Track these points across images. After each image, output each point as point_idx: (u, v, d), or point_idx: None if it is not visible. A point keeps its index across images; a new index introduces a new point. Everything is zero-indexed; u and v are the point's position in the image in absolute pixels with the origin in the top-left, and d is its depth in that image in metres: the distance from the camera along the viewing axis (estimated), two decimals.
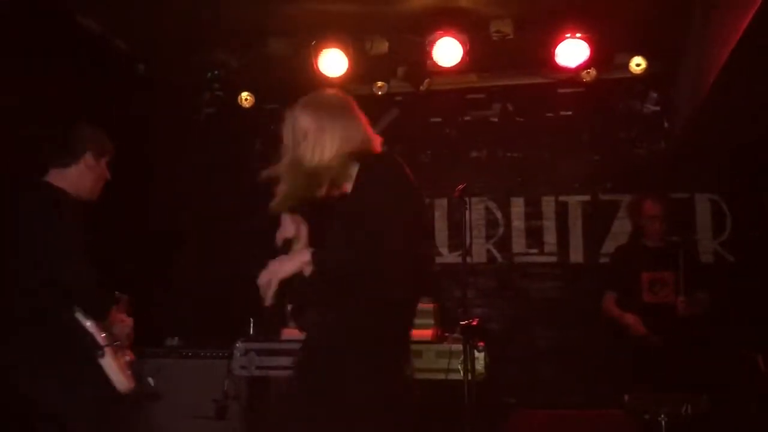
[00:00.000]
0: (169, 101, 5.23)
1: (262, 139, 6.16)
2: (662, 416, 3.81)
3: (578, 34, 4.70)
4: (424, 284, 2.36)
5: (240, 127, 5.88)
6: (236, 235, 5.68)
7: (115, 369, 2.87)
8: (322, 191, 2.40)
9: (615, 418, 4.12)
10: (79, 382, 2.81)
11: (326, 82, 5.05)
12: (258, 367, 3.94)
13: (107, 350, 2.85)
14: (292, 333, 3.88)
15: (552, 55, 4.80)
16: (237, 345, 4.21)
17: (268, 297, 2.23)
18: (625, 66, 5.06)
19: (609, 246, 5.49)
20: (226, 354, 4.40)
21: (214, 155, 5.89)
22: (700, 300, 4.39)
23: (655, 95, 5.45)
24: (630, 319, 4.38)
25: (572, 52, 4.76)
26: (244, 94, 5.53)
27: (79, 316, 2.84)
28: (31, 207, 2.89)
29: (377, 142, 2.46)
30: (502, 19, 4.59)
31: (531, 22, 4.59)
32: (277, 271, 2.24)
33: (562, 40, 4.74)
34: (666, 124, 5.55)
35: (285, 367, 3.78)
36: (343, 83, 5.17)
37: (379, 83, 5.42)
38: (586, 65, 4.89)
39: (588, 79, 5.06)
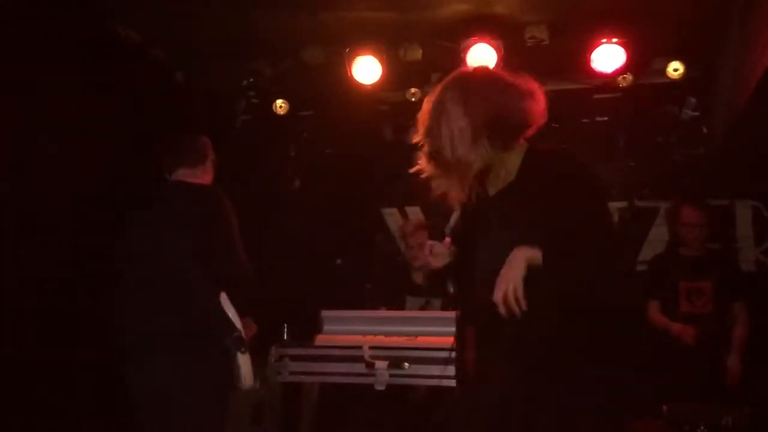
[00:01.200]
0: (206, 109, 5.31)
1: (295, 145, 6.23)
2: (702, 428, 3.73)
3: (614, 39, 4.67)
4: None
5: (275, 134, 5.94)
6: (270, 240, 5.73)
7: (250, 366, 3.05)
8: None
9: (653, 429, 4.04)
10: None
11: (360, 89, 5.09)
12: (291, 373, 3.96)
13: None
14: (325, 339, 3.90)
15: (588, 60, 4.77)
16: (271, 350, 4.24)
17: (520, 304, 1.94)
18: (663, 71, 5.00)
19: (646, 253, 5.40)
20: (260, 359, 4.43)
21: (249, 161, 5.95)
22: (741, 326, 4.30)
23: (693, 100, 5.36)
24: (677, 327, 4.30)
25: (608, 57, 4.73)
26: (279, 102, 5.60)
27: (229, 311, 2.97)
28: (204, 203, 3.07)
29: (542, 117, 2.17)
30: (537, 24, 4.57)
31: (566, 27, 4.56)
32: (511, 278, 1.94)
33: (598, 46, 4.71)
34: (705, 130, 5.45)
35: (318, 373, 3.79)
36: (377, 90, 5.21)
37: (413, 90, 5.43)
38: (622, 70, 4.85)
39: (624, 84, 5.01)
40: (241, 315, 3.08)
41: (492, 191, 2.25)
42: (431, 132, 2.13)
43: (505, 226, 2.13)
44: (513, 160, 2.19)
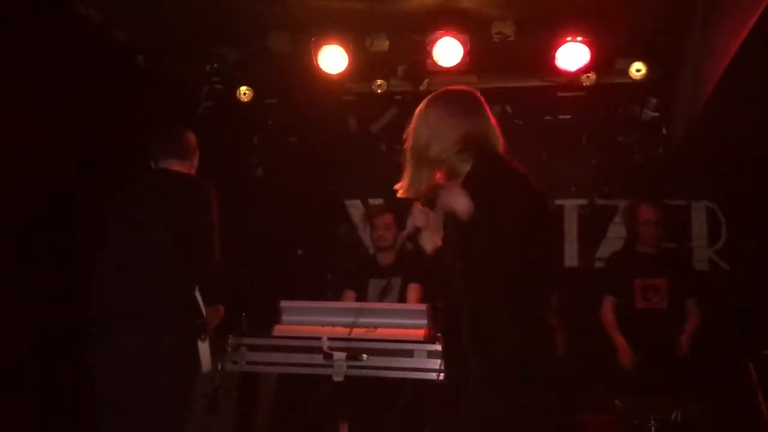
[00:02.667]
0: (168, 94, 5.22)
1: (259, 133, 6.17)
2: (652, 421, 3.81)
3: (579, 38, 4.70)
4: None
5: (238, 121, 5.87)
6: (231, 228, 5.66)
7: (208, 355, 3.12)
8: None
9: (605, 423, 4.12)
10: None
11: (325, 78, 5.05)
12: (249, 363, 3.93)
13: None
14: (284, 329, 3.87)
15: (552, 58, 4.80)
16: (228, 339, 4.20)
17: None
18: (626, 71, 5.06)
19: (604, 250, 5.49)
20: (217, 348, 4.39)
21: (212, 148, 5.86)
22: (694, 319, 4.40)
23: (654, 101, 5.44)
24: (621, 345, 4.39)
25: (573, 55, 4.76)
26: (243, 89, 5.52)
27: (198, 297, 3.06)
28: (191, 192, 3.17)
29: (501, 144, 2.56)
30: (503, 20, 4.58)
31: (532, 24, 4.59)
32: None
33: (563, 44, 4.74)
34: (665, 131, 5.55)
35: (276, 363, 3.77)
36: (343, 80, 5.17)
37: (379, 81, 5.41)
38: (586, 69, 4.89)
39: (588, 83, 5.06)
40: (209, 302, 3.15)
41: None
42: (415, 132, 2.57)
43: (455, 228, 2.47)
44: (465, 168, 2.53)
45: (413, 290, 4.60)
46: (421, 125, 2.55)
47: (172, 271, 3.03)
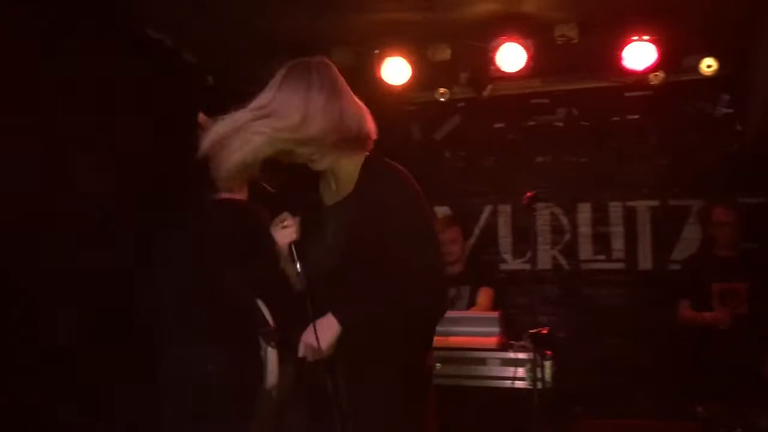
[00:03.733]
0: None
1: None
2: (738, 430, 3.68)
3: (645, 37, 4.61)
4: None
5: None
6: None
7: (275, 363, 3.07)
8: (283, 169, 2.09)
9: (687, 431, 4.00)
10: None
11: (388, 89, 5.10)
12: None
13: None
14: None
15: (618, 58, 4.72)
16: None
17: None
18: (695, 68, 4.94)
19: (679, 252, 5.35)
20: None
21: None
22: None
23: (727, 97, 5.29)
24: (708, 316, 4.25)
25: (639, 54, 4.68)
26: None
27: (264, 310, 3.07)
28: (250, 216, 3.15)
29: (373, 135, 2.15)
30: (566, 23, 4.53)
31: (596, 25, 4.52)
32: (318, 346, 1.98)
33: (629, 43, 4.66)
34: (738, 127, 5.37)
35: None
36: (405, 90, 5.22)
37: (442, 90, 5.45)
38: (653, 68, 4.80)
39: (656, 82, 4.97)
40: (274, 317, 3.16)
41: (329, 200, 2.23)
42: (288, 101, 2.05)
43: (334, 241, 2.13)
44: (350, 169, 2.15)
45: (484, 293, 4.59)
46: (299, 96, 2.02)
47: (234, 282, 3.06)
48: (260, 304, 3.12)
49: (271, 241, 3.10)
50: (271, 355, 3.09)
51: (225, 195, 3.32)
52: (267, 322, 3.10)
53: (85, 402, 3.58)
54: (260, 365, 3.08)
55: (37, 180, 3.51)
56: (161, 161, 4.30)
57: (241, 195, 3.38)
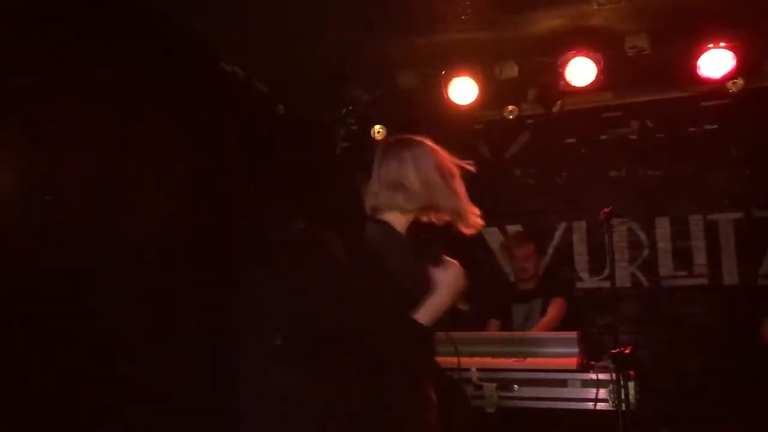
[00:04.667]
0: (307, 138, 5.47)
1: None
2: None
3: (722, 44, 4.46)
4: None
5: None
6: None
7: None
8: None
9: None
10: None
11: (456, 109, 5.10)
12: None
13: None
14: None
15: (693, 67, 4.58)
16: None
17: None
18: None
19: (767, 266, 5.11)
20: None
21: (351, 187, 6.06)
22: None
23: None
24: None
25: (716, 62, 4.52)
26: (377, 127, 5.68)
27: None
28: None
29: None
30: (637, 34, 4.43)
31: (669, 35, 4.41)
32: None
33: (704, 51, 4.52)
34: None
35: None
36: (473, 109, 5.20)
37: (510, 107, 5.40)
38: (731, 75, 4.63)
39: (734, 89, 4.78)
40: None
41: None
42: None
43: None
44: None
45: (555, 303, 4.52)
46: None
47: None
48: None
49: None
50: None
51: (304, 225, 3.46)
52: None
53: None
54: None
55: (109, 206, 3.64)
56: (234, 188, 4.42)
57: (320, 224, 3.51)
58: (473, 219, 2.56)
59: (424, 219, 2.55)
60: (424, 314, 2.32)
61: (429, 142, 2.63)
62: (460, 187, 2.55)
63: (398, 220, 2.50)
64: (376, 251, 2.42)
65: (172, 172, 4.10)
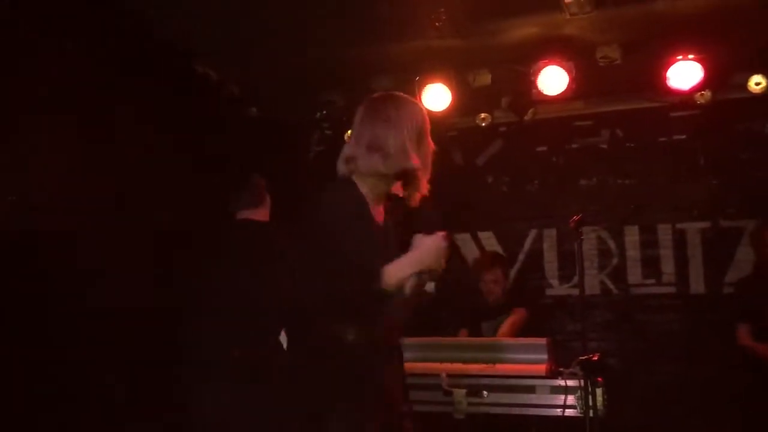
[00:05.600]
0: (281, 142, 5.44)
1: None
2: None
3: (690, 56, 4.54)
4: None
5: None
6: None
7: None
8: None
9: None
10: None
11: (430, 116, 5.10)
12: None
13: None
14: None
15: (663, 78, 4.65)
16: None
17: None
18: (743, 85, 4.83)
19: (733, 275, 5.19)
20: None
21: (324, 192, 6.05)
22: None
23: None
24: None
25: (685, 74, 4.60)
26: (351, 132, 5.67)
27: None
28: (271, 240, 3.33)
29: None
30: (608, 44, 4.49)
31: (639, 45, 4.47)
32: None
33: (674, 63, 4.59)
34: None
35: None
36: (447, 116, 5.22)
37: (483, 115, 5.44)
38: (700, 87, 4.71)
39: (702, 101, 4.88)
40: None
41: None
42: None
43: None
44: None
45: (516, 312, 4.53)
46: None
47: (263, 319, 3.13)
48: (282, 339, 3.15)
49: (288, 264, 3.13)
50: None
51: (246, 215, 3.40)
52: None
53: None
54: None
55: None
56: (202, 189, 4.39)
57: (262, 216, 3.48)
58: (425, 188, 2.34)
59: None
60: (389, 271, 2.13)
61: (415, 101, 2.44)
62: (428, 155, 2.36)
63: (371, 187, 2.32)
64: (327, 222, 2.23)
65: (141, 174, 4.05)
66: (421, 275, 2.17)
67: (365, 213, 2.31)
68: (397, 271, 2.15)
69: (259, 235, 3.44)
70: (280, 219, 3.60)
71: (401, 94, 2.45)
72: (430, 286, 2.23)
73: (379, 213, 2.38)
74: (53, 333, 3.34)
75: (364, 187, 2.32)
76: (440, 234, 2.20)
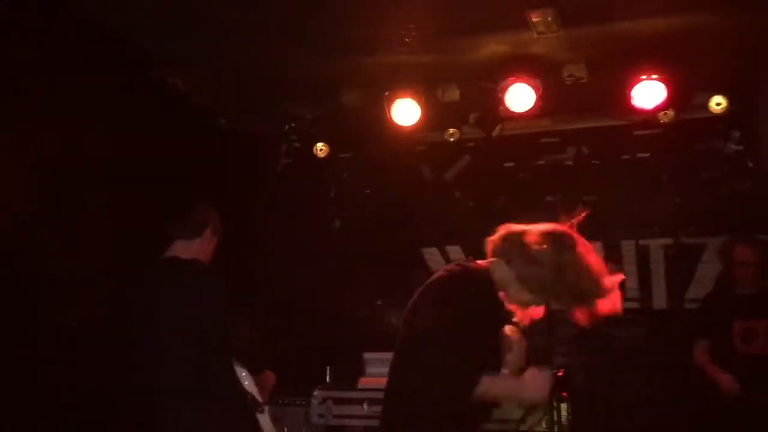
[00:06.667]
0: (249, 154, 5.42)
1: (336, 186, 6.30)
2: None
3: (654, 76, 4.63)
4: None
5: (315, 176, 6.03)
6: (310, 281, 5.77)
7: (271, 425, 3.05)
8: None
9: None
10: None
11: (398, 130, 5.14)
12: (335, 416, 3.94)
13: (266, 407, 3.04)
14: (368, 382, 3.87)
15: (627, 97, 4.74)
16: (315, 393, 4.24)
17: None
18: (705, 105, 4.95)
19: (694, 291, 5.28)
20: (303, 402, 4.43)
21: (291, 203, 6.03)
22: None
23: (737, 134, 5.28)
24: (723, 378, 4.18)
25: (649, 93, 4.69)
26: (319, 145, 5.68)
27: (240, 373, 3.01)
28: (190, 281, 3.07)
29: None
30: (575, 63, 4.57)
31: (605, 65, 4.56)
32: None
33: (638, 82, 4.68)
34: (750, 164, 5.35)
35: (363, 416, 3.76)
36: (415, 131, 5.25)
37: (451, 130, 5.48)
38: (663, 106, 4.81)
39: (666, 120, 4.98)
40: (256, 371, 3.11)
41: None
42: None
43: None
44: None
45: None
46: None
47: (197, 358, 2.97)
48: (238, 370, 3.04)
49: (216, 301, 3.03)
50: (261, 419, 3.03)
51: (176, 252, 3.18)
52: (244, 391, 3.02)
53: None
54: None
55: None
56: (170, 200, 4.33)
57: (196, 253, 3.21)
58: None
59: None
60: (492, 382, 2.24)
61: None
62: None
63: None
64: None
65: (104, 178, 4.00)
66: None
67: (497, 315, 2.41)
68: (497, 388, 2.27)
69: (181, 275, 3.11)
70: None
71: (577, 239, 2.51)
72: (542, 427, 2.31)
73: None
74: None
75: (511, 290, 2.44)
76: (552, 373, 2.33)
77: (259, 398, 3.05)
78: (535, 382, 2.25)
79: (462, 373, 2.19)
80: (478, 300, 2.32)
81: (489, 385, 2.19)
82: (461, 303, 2.30)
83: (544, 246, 2.38)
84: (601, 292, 2.41)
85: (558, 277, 2.32)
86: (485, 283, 2.38)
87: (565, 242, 2.40)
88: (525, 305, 2.44)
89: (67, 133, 3.74)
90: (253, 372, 3.08)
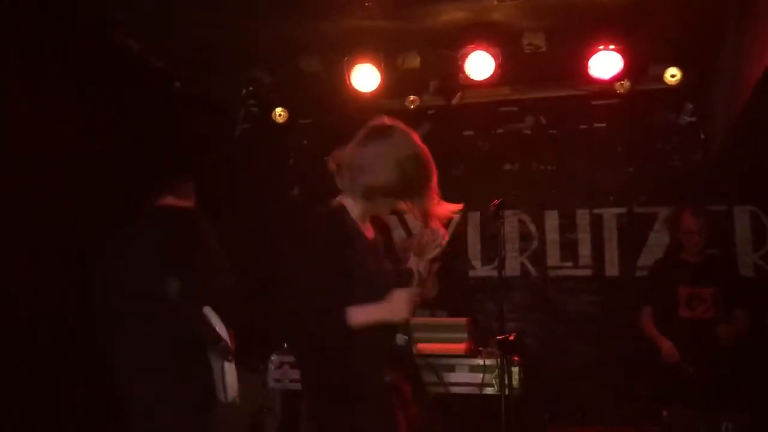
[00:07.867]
0: (205, 118, 5.32)
1: (295, 153, 6.25)
2: None
3: (611, 46, 4.68)
4: None
5: (274, 142, 5.96)
6: (268, 248, 5.74)
7: (234, 375, 3.06)
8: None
9: None
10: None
11: (358, 97, 5.11)
12: (291, 380, 3.96)
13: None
14: None
15: (585, 67, 4.78)
16: (272, 358, 4.25)
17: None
18: (660, 77, 5.01)
19: (645, 259, 5.41)
20: (261, 367, 4.43)
21: (249, 169, 5.97)
22: (740, 321, 4.30)
23: (690, 106, 5.39)
24: (665, 344, 4.32)
25: (606, 64, 4.74)
26: (278, 110, 5.62)
27: (214, 321, 3.04)
28: (181, 228, 3.16)
29: None
30: (534, 32, 4.58)
31: (564, 34, 4.58)
32: None
33: (596, 52, 4.72)
34: (702, 136, 5.47)
35: None
36: (375, 98, 5.22)
37: (411, 97, 5.47)
38: (619, 77, 4.87)
39: (622, 90, 5.04)
40: (228, 328, 3.14)
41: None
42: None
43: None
44: None
45: None
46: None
47: (180, 300, 3.03)
48: (211, 317, 3.07)
49: (210, 249, 3.06)
50: (228, 368, 3.06)
51: (169, 201, 3.28)
52: (218, 336, 3.05)
53: None
54: (208, 383, 3.05)
55: None
56: (126, 165, 4.26)
57: (187, 201, 3.33)
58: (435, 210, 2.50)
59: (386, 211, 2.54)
60: (355, 313, 2.26)
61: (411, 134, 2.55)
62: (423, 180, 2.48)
63: (355, 206, 2.46)
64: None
65: (61, 140, 3.90)
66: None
67: (350, 238, 2.40)
68: (362, 316, 2.27)
69: (179, 222, 3.26)
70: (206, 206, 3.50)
71: (394, 122, 2.56)
72: (401, 339, 2.32)
73: (368, 229, 2.51)
74: None
75: (356, 207, 2.45)
76: (412, 289, 2.36)
77: (231, 346, 3.09)
78: (398, 302, 2.30)
79: (320, 318, 2.25)
80: (308, 243, 2.39)
81: (353, 317, 2.25)
82: (293, 254, 2.40)
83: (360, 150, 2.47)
84: (426, 172, 2.50)
85: (377, 174, 2.40)
86: (321, 217, 2.44)
87: (371, 135, 2.50)
88: (381, 210, 2.53)
89: (15, 95, 3.63)
90: (228, 326, 3.12)
